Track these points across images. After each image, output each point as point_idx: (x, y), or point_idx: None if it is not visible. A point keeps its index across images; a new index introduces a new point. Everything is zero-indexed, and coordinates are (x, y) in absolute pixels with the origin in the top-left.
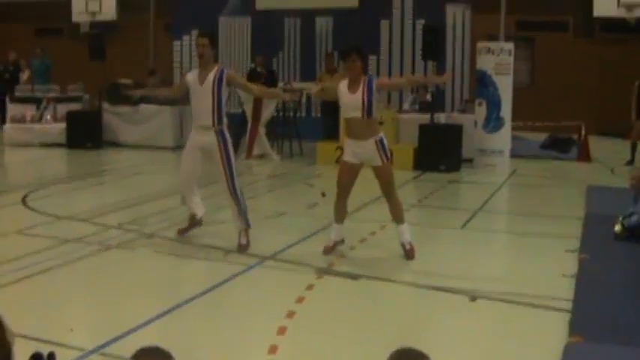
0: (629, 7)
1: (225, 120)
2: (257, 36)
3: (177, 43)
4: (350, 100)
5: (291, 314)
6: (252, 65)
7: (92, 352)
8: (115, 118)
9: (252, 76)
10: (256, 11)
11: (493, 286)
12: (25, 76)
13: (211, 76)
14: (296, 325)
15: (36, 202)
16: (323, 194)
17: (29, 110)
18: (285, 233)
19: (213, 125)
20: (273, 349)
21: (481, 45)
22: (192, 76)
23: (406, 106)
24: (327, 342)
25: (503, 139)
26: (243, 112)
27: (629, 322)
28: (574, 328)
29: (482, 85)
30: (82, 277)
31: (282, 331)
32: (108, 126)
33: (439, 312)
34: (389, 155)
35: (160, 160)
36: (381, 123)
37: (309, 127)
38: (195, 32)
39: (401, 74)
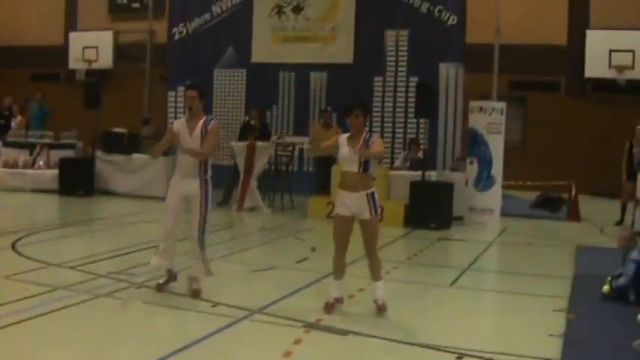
0: (620, 69)
1: (209, 171)
2: (251, 89)
3: (172, 93)
4: (349, 154)
5: None
6: (246, 118)
7: None
8: (107, 167)
9: (246, 129)
10: (251, 64)
11: (480, 344)
12: (17, 121)
13: (199, 126)
14: None
15: (26, 248)
16: (313, 249)
17: (22, 155)
18: (274, 287)
19: (199, 175)
20: None
21: (473, 104)
22: (180, 125)
23: (397, 163)
24: None
25: (493, 197)
26: (236, 165)
27: None
28: None
29: (473, 143)
30: (70, 326)
31: None
32: (100, 174)
33: None
34: (378, 211)
35: (151, 210)
36: (373, 179)
37: (300, 181)
38: None
39: (393, 130)
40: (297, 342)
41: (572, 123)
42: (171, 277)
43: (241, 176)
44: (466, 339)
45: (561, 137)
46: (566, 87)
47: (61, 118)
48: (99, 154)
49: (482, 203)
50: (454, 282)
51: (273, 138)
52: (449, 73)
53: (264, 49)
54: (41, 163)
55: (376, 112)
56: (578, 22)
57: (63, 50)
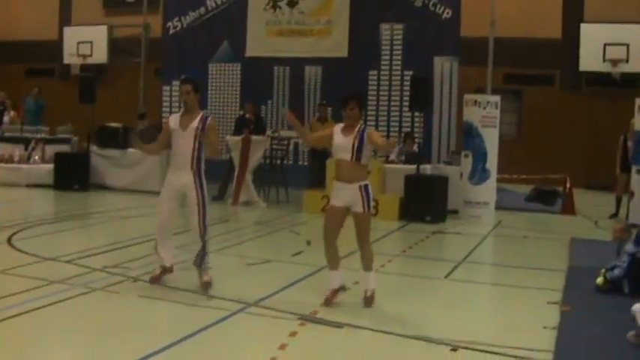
0: (615, 63)
1: (203, 164)
2: (246, 83)
3: (166, 88)
4: (341, 142)
5: None
6: (241, 112)
7: None
8: (102, 161)
9: (241, 123)
10: (246, 58)
11: (474, 336)
12: (10, 116)
13: (195, 122)
14: None
15: (21, 242)
16: (308, 242)
17: (17, 150)
18: (269, 280)
19: (192, 167)
20: None
21: (468, 97)
22: (174, 121)
23: (393, 156)
24: None
25: (488, 190)
26: (231, 159)
27: None
28: None
29: (468, 136)
30: (65, 319)
31: None
32: (95, 168)
33: None
34: (371, 205)
35: (146, 205)
36: (368, 172)
37: (296, 175)
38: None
39: (388, 124)
40: (292, 334)
41: (566, 116)
42: (166, 269)
43: (236, 170)
44: (461, 331)
45: (556, 131)
46: (561, 80)
47: (56, 113)
48: (94, 148)
49: (477, 196)
50: (449, 275)
51: (268, 132)
52: (443, 66)
53: (259, 43)
54: (36, 157)
55: (371, 105)
56: (573, 15)
57: (57, 45)
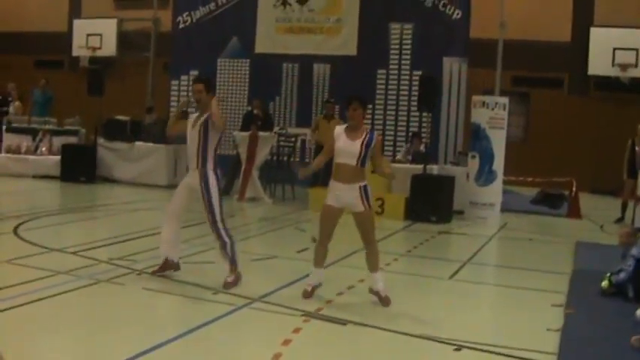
0: (624, 67)
1: (210, 163)
2: (255, 79)
3: (175, 82)
4: (348, 147)
5: (277, 356)
6: (249, 108)
7: None
8: (109, 154)
9: (249, 119)
10: (255, 54)
11: (478, 337)
12: (15, 106)
13: (202, 120)
14: None
15: (27, 233)
16: (314, 239)
17: (25, 141)
18: (274, 276)
19: (197, 167)
20: None
21: (476, 98)
22: (190, 119)
23: (400, 156)
24: None
25: (494, 192)
26: (238, 155)
27: None
28: None
29: (475, 138)
30: (71, 310)
31: None
32: (102, 161)
33: None
34: (371, 202)
35: (152, 198)
36: (373, 172)
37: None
38: (193, 73)
39: (395, 123)
40: (296, 331)
41: (574, 120)
42: (169, 264)
43: (243, 166)
44: (465, 331)
45: (563, 134)
46: (569, 84)
47: (64, 104)
48: (101, 141)
49: (483, 198)
50: (453, 275)
51: (276, 129)
52: (452, 67)
53: (268, 39)
54: (44, 149)
55: (379, 105)
56: (582, 19)
57: (67, 37)
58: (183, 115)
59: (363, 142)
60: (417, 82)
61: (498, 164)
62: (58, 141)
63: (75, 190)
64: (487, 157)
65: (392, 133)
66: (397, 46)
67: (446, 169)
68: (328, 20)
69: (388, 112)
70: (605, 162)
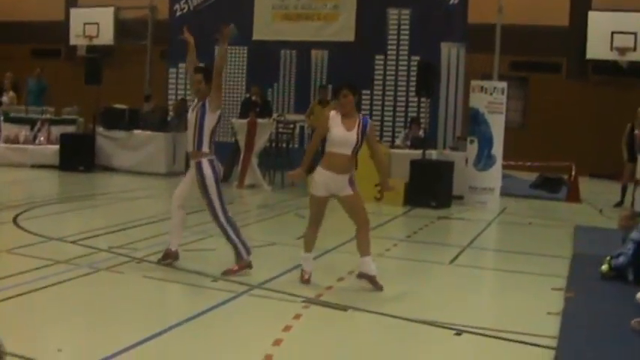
0: (622, 51)
1: (204, 146)
2: (252, 66)
3: (172, 70)
4: (344, 136)
5: (277, 342)
6: (247, 95)
7: None
8: (108, 143)
9: (247, 106)
10: (253, 42)
11: (479, 321)
12: (8, 96)
13: (198, 106)
14: (282, 353)
15: (27, 222)
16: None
17: (23, 131)
18: (273, 263)
19: (194, 156)
20: None
21: (475, 83)
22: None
23: (398, 141)
24: None
25: (493, 177)
26: (236, 142)
27: None
28: None
29: (474, 123)
30: (71, 299)
31: (268, 358)
32: (101, 150)
33: (424, 345)
34: (357, 189)
35: (151, 186)
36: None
37: (301, 159)
38: None
39: (394, 109)
40: (296, 317)
41: (573, 104)
42: (170, 254)
43: (242, 153)
44: (465, 316)
45: (562, 118)
46: (568, 68)
47: (61, 94)
48: (99, 130)
49: (482, 182)
50: (453, 260)
51: (274, 115)
52: (450, 52)
53: (266, 26)
54: (42, 138)
55: (377, 90)
56: (580, 3)
57: (64, 26)
58: (183, 104)
59: (359, 131)
60: (415, 68)
61: (497, 149)
62: (56, 130)
63: (74, 179)
64: (486, 142)
65: (390, 118)
66: (395, 32)
67: (445, 155)
68: (325, 6)
69: (386, 98)
70: (604, 146)
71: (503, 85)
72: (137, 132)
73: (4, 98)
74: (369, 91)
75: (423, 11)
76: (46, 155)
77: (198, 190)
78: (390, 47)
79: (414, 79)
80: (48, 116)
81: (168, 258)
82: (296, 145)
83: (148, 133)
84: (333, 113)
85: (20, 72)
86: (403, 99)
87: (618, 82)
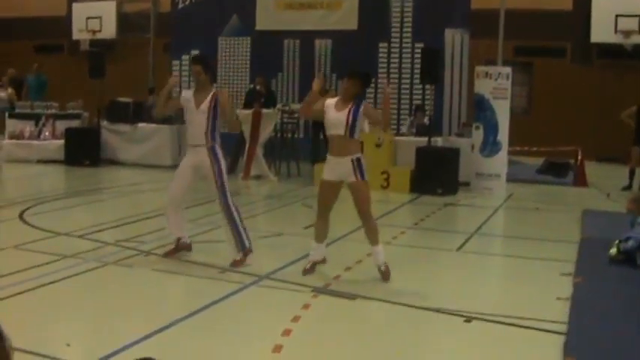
0: (626, 34)
1: (218, 139)
2: (256, 57)
3: (176, 62)
4: (334, 117)
5: (287, 332)
6: (252, 85)
7: None
8: (113, 136)
9: (252, 96)
10: (256, 32)
11: (488, 308)
12: (7, 92)
13: (208, 99)
14: (292, 343)
15: (33, 218)
16: None
17: (28, 126)
18: (281, 253)
19: (206, 144)
20: None
21: (479, 69)
22: (187, 96)
23: (404, 129)
24: None
25: (500, 163)
26: (242, 133)
27: (623, 345)
28: (568, 350)
29: (479, 109)
30: (79, 293)
31: (277, 349)
32: (106, 144)
33: (434, 333)
34: (365, 174)
35: (157, 179)
36: (378, 145)
37: (306, 149)
38: (194, 52)
39: (399, 96)
40: (305, 307)
41: (578, 88)
42: (182, 246)
43: (247, 144)
44: (474, 302)
45: (567, 103)
46: (572, 52)
47: (65, 88)
48: (104, 123)
49: (488, 169)
50: (461, 247)
51: (279, 105)
52: (454, 38)
53: (269, 16)
54: (47, 133)
55: (382, 78)
56: None
57: (66, 21)
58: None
59: (349, 112)
60: (419, 55)
61: (503, 135)
62: (61, 125)
63: (80, 173)
64: (491, 128)
65: (395, 106)
66: (398, 19)
67: (450, 141)
68: None
69: (391, 86)
70: (610, 130)
71: (508, 70)
72: (142, 125)
73: (3, 94)
74: (373, 79)
75: None
76: (52, 150)
77: (206, 175)
78: (393, 34)
79: (418, 66)
80: (52, 111)
81: (181, 250)
82: (301, 135)
83: (153, 125)
84: (329, 100)
85: (24, 68)
86: (407, 86)
87: (623, 65)
